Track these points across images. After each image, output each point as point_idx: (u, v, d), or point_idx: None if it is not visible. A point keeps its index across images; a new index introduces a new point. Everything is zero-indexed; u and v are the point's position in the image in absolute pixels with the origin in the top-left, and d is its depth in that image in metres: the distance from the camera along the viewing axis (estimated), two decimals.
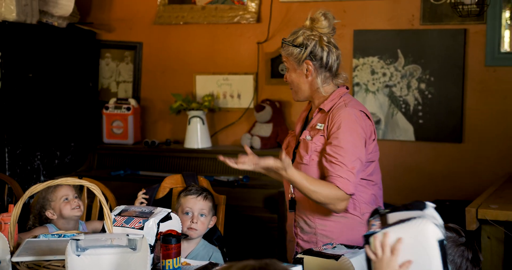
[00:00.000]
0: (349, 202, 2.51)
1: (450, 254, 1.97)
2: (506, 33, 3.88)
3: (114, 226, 2.34)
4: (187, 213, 2.68)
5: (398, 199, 3.96)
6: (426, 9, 4.00)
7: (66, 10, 4.30)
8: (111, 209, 2.65)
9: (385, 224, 1.79)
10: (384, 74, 4.12)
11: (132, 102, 4.63)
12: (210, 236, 2.79)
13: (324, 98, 2.61)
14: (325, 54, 2.56)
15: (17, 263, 2.20)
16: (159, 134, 4.73)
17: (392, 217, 1.80)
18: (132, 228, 2.34)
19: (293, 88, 2.66)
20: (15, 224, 2.28)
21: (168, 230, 2.30)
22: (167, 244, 2.22)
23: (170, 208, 2.65)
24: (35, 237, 2.48)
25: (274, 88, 4.40)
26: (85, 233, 2.51)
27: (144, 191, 2.93)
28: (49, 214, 2.84)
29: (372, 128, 2.57)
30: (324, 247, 2.30)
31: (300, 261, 2.18)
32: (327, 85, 2.61)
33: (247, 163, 2.43)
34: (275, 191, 3.81)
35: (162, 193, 3.04)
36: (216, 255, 2.68)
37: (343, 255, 2.15)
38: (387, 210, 1.83)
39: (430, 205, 1.81)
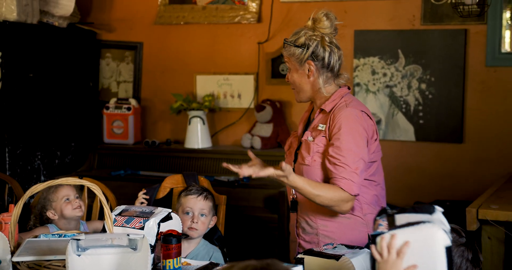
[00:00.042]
0: (353, 202, 2.50)
1: None
2: (506, 34, 3.88)
3: (114, 226, 2.34)
4: (187, 213, 2.68)
5: (399, 199, 3.96)
6: (427, 9, 4.00)
7: (66, 10, 4.30)
8: (111, 209, 2.65)
9: (392, 225, 1.78)
10: (384, 74, 4.12)
11: (133, 102, 4.63)
12: (210, 236, 2.79)
13: (326, 99, 2.60)
14: (327, 54, 2.55)
15: (18, 263, 2.20)
16: (159, 134, 4.73)
17: (400, 218, 1.79)
18: (133, 228, 2.34)
19: (295, 89, 2.66)
20: (16, 224, 2.28)
21: (168, 230, 2.30)
22: (167, 244, 2.22)
23: (171, 208, 2.65)
24: (36, 237, 2.48)
25: (275, 88, 4.40)
26: (86, 233, 2.51)
27: (144, 191, 2.93)
28: (50, 214, 2.84)
29: (373, 128, 2.57)
30: (325, 247, 2.30)
31: (300, 261, 2.18)
32: (328, 86, 2.61)
33: (247, 172, 2.42)
34: (275, 191, 3.81)
35: (162, 193, 3.04)
36: (216, 255, 2.68)
37: (343, 255, 2.15)
38: (394, 211, 1.82)
39: (439, 210, 1.80)
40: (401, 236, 1.73)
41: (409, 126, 4.08)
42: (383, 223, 1.80)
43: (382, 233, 1.75)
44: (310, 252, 2.21)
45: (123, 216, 2.40)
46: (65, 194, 2.85)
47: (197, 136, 4.38)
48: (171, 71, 4.67)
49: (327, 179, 2.52)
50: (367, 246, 2.42)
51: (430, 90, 4.02)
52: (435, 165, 4.05)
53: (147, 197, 2.90)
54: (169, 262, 2.22)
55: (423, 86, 4.03)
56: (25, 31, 4.06)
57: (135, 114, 4.61)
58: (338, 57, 2.58)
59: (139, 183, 3.93)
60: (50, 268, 2.16)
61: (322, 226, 2.58)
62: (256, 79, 4.44)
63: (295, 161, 2.64)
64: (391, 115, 4.12)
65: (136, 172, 4.31)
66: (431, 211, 1.78)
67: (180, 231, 2.42)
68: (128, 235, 2.12)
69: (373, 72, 4.14)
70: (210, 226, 2.75)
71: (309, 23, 2.59)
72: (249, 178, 2.50)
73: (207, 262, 2.44)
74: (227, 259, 2.72)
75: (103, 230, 2.32)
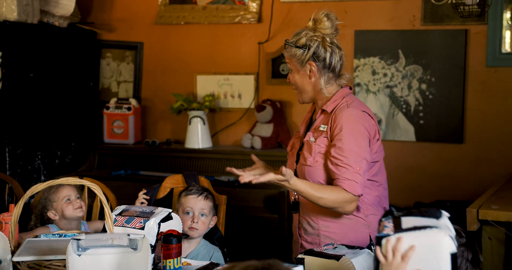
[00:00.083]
0: (357, 203, 2.50)
1: None
2: (507, 34, 3.88)
3: (115, 226, 2.34)
4: (187, 213, 2.68)
5: (399, 200, 3.96)
6: (427, 10, 4.00)
7: (67, 10, 4.30)
8: (112, 209, 2.65)
9: (398, 228, 1.77)
10: (385, 75, 4.12)
11: (133, 102, 4.63)
12: (210, 236, 2.79)
13: (327, 99, 2.60)
14: (328, 55, 2.55)
15: (18, 262, 2.20)
16: (159, 134, 4.73)
17: (406, 221, 1.78)
18: (133, 228, 2.34)
19: (297, 90, 2.65)
20: (16, 224, 2.28)
21: (169, 230, 2.30)
22: (168, 244, 2.22)
23: (171, 208, 2.66)
24: (36, 236, 2.48)
25: (275, 88, 4.40)
26: (86, 233, 2.51)
27: (144, 191, 2.93)
28: (51, 214, 2.84)
29: (375, 128, 2.57)
30: (325, 247, 2.30)
31: (301, 262, 2.18)
32: (330, 86, 2.60)
33: (248, 178, 2.42)
34: (275, 192, 3.81)
35: (163, 193, 3.04)
36: (216, 255, 2.68)
37: (344, 255, 2.15)
38: (401, 213, 1.81)
39: (445, 214, 1.79)
40: (407, 239, 1.72)
41: (410, 126, 4.08)
42: (389, 225, 1.79)
43: (388, 235, 1.75)
44: (310, 252, 2.21)
45: (123, 216, 2.40)
46: (66, 195, 2.85)
47: (198, 136, 4.38)
48: (171, 71, 4.67)
49: (330, 179, 2.51)
50: (369, 247, 2.42)
51: (431, 90, 4.02)
52: (436, 166, 4.05)
53: (148, 197, 2.90)
54: (170, 262, 2.22)
55: (424, 86, 4.03)
56: (26, 31, 4.06)
57: (136, 114, 4.62)
58: (339, 57, 2.58)
59: (139, 183, 3.93)
60: (50, 268, 2.16)
61: (324, 227, 2.58)
62: (256, 79, 4.44)
63: (297, 162, 2.64)
64: (391, 115, 4.12)
65: (136, 172, 4.31)
66: (437, 216, 1.77)
67: (180, 231, 2.42)
68: (128, 235, 2.12)
69: (374, 72, 4.14)
70: (211, 226, 2.75)
71: (310, 23, 2.58)
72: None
73: (208, 262, 2.44)
74: (228, 259, 2.72)
75: (104, 230, 2.32)
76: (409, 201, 4.06)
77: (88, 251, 2.05)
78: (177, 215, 2.48)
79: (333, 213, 2.53)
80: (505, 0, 3.84)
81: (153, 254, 2.33)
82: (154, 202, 2.94)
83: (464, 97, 3.96)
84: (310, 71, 2.57)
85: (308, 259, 2.18)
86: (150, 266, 2.09)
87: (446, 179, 4.02)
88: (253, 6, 4.40)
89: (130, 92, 4.77)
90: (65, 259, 2.07)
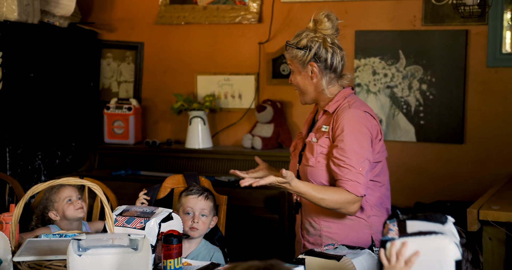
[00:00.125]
0: (361, 203, 2.49)
1: None
2: (507, 34, 3.88)
3: (115, 226, 2.34)
4: (188, 213, 2.68)
5: (399, 200, 3.96)
6: (428, 10, 4.00)
7: (67, 10, 4.30)
8: (112, 209, 2.65)
9: (403, 232, 1.76)
10: (385, 75, 4.12)
11: (133, 102, 4.63)
12: (211, 236, 2.79)
13: (329, 100, 2.60)
14: (329, 55, 2.55)
15: (19, 262, 2.20)
16: (160, 134, 4.73)
17: (411, 225, 1.77)
18: (134, 228, 2.34)
19: (299, 91, 2.65)
20: (17, 224, 2.27)
21: (169, 230, 2.30)
22: (168, 244, 2.22)
23: (172, 208, 2.65)
24: (37, 237, 2.48)
25: (276, 88, 4.40)
26: (87, 233, 2.51)
27: (145, 191, 2.93)
28: (52, 215, 2.84)
29: (377, 128, 2.56)
30: (326, 247, 2.30)
31: (301, 262, 2.18)
32: (332, 87, 2.60)
33: (248, 182, 2.42)
34: (276, 192, 3.81)
35: (163, 193, 3.04)
36: (217, 255, 2.68)
37: (344, 255, 2.15)
38: (406, 216, 1.81)
39: (450, 220, 1.79)
40: (412, 245, 1.72)
41: (410, 126, 4.08)
42: (394, 228, 1.79)
43: (393, 239, 1.75)
44: (311, 253, 2.21)
45: (124, 216, 2.41)
46: (68, 195, 2.85)
47: (198, 136, 4.38)
48: (172, 71, 4.67)
49: (332, 180, 2.51)
50: (370, 248, 2.42)
51: (431, 90, 4.02)
52: (436, 166, 4.05)
53: (148, 197, 2.90)
54: (170, 262, 2.23)
55: (424, 86, 4.03)
56: (26, 31, 4.06)
57: (136, 114, 4.62)
58: (341, 57, 2.58)
59: (139, 183, 3.93)
60: (51, 268, 2.16)
61: (326, 227, 2.58)
62: (257, 79, 4.44)
63: (299, 162, 2.64)
64: (391, 115, 4.12)
65: (136, 172, 4.31)
66: (443, 221, 1.77)
67: (181, 231, 2.42)
68: (129, 235, 2.12)
69: (374, 73, 4.14)
70: (211, 227, 2.75)
71: (311, 24, 2.58)
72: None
73: (208, 262, 2.44)
74: (228, 259, 2.72)
75: (104, 230, 2.32)
76: (410, 201, 4.06)
77: (88, 251, 2.05)
78: (177, 215, 2.48)
79: (335, 214, 2.53)
80: (506, 1, 3.84)
81: (154, 254, 2.33)
82: (155, 202, 2.95)
83: (465, 97, 3.96)
84: (311, 72, 2.57)
85: (308, 259, 2.18)
86: (150, 266, 2.09)
87: (447, 179, 4.02)
88: (254, 6, 4.40)
89: (131, 92, 4.77)
90: (65, 259, 2.07)
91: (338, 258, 2.13)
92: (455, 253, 1.71)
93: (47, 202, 2.85)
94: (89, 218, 3.09)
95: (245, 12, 4.42)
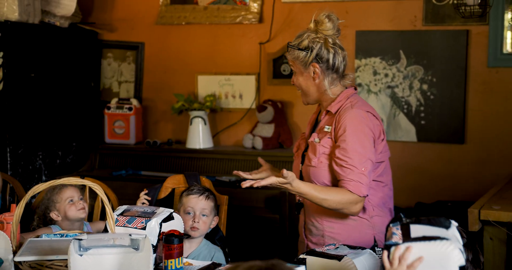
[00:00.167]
0: (363, 203, 2.49)
1: None
2: (508, 34, 3.87)
3: (116, 226, 2.34)
4: (189, 213, 2.68)
5: (400, 200, 3.96)
6: (429, 10, 4.00)
7: (68, 10, 4.30)
8: (113, 209, 2.65)
9: (407, 236, 1.76)
10: (386, 75, 4.12)
11: (134, 102, 4.63)
12: (212, 236, 2.79)
13: (332, 100, 2.60)
14: (331, 56, 2.55)
15: (20, 262, 2.20)
16: (161, 134, 4.73)
17: (415, 229, 1.77)
18: (135, 228, 2.34)
19: (302, 92, 2.65)
20: (18, 224, 2.28)
21: (170, 230, 2.31)
22: (169, 244, 2.22)
23: (172, 208, 2.66)
24: (38, 236, 2.48)
25: (276, 88, 4.40)
26: (88, 233, 2.51)
27: (146, 191, 2.93)
28: (53, 215, 2.84)
29: (380, 128, 2.56)
30: (327, 247, 2.30)
31: (303, 262, 2.18)
32: (334, 87, 2.60)
33: (249, 183, 2.42)
34: (276, 192, 3.81)
35: (164, 193, 3.04)
36: (218, 255, 2.68)
37: (345, 255, 2.15)
38: (409, 220, 1.80)
39: (454, 224, 1.79)
40: (416, 250, 1.72)
41: (411, 126, 4.08)
42: (397, 232, 1.78)
43: (397, 243, 1.74)
44: (312, 253, 2.21)
45: (125, 216, 2.41)
46: (69, 196, 2.85)
47: (199, 136, 4.38)
48: (172, 71, 4.67)
49: (335, 180, 2.51)
50: (372, 248, 2.42)
51: (432, 90, 4.02)
52: (437, 166, 4.05)
53: (149, 198, 2.90)
54: (171, 262, 2.23)
55: (425, 86, 4.03)
56: (27, 31, 4.06)
57: (137, 114, 4.62)
58: (343, 58, 2.58)
59: (140, 183, 3.93)
60: (52, 268, 2.16)
61: (328, 228, 2.58)
62: (257, 79, 4.44)
63: (302, 163, 2.64)
64: (392, 115, 4.12)
65: (137, 172, 4.31)
66: (447, 226, 1.76)
67: (181, 231, 2.42)
68: (130, 235, 2.12)
69: (375, 73, 4.14)
70: (212, 226, 2.75)
71: (311, 25, 2.58)
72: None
73: (209, 262, 2.44)
74: (229, 259, 2.72)
75: (105, 230, 2.33)
76: (410, 201, 4.05)
77: (89, 251, 2.05)
78: (178, 215, 2.49)
79: (337, 214, 2.53)
80: (507, 1, 3.84)
81: (155, 254, 2.34)
82: (156, 202, 2.95)
83: (466, 97, 3.96)
84: (313, 72, 2.57)
85: (310, 259, 2.18)
86: (151, 266, 2.10)
87: (447, 179, 4.02)
88: (254, 7, 4.40)
89: (131, 92, 4.77)
90: (66, 259, 2.07)
91: (339, 258, 2.13)
92: (459, 259, 1.70)
93: (49, 203, 2.85)
94: (90, 218, 3.09)
95: (245, 12, 4.42)
